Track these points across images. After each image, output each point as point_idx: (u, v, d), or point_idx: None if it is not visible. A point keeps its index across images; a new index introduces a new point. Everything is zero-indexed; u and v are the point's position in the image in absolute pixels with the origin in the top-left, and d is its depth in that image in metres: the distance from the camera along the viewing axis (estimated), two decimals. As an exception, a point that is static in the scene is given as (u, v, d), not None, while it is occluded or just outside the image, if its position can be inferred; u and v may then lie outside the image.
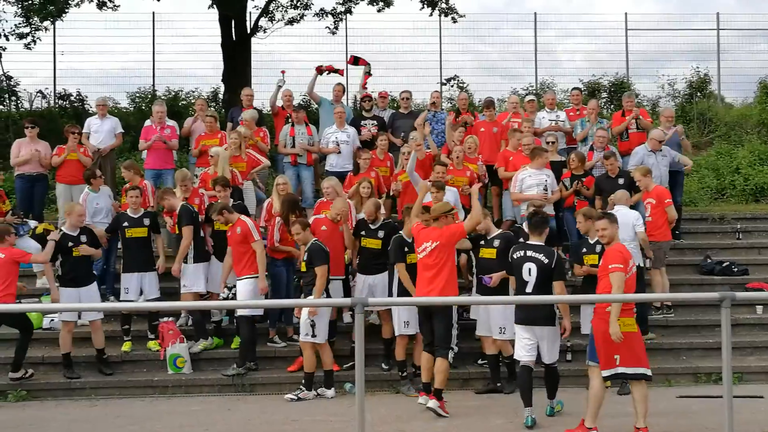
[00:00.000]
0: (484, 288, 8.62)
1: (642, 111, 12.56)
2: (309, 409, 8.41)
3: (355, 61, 13.46)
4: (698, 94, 19.32)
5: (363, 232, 9.42)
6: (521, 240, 8.50)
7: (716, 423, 6.78)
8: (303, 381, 8.80)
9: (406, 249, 8.79)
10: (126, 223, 9.73)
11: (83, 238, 9.33)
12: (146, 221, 9.79)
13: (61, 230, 9.39)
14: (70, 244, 9.22)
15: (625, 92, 13.19)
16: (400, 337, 8.90)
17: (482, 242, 8.83)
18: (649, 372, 7.12)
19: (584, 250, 8.78)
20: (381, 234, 9.33)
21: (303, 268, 8.82)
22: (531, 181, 10.33)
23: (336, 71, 13.16)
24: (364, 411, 5.43)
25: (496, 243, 8.69)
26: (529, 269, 7.64)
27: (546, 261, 7.66)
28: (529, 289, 7.65)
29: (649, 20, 20.99)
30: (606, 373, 7.06)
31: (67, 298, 9.18)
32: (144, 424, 7.97)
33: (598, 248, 8.45)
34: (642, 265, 9.49)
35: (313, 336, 8.62)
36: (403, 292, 8.57)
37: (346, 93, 14.48)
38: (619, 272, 6.99)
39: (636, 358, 7.04)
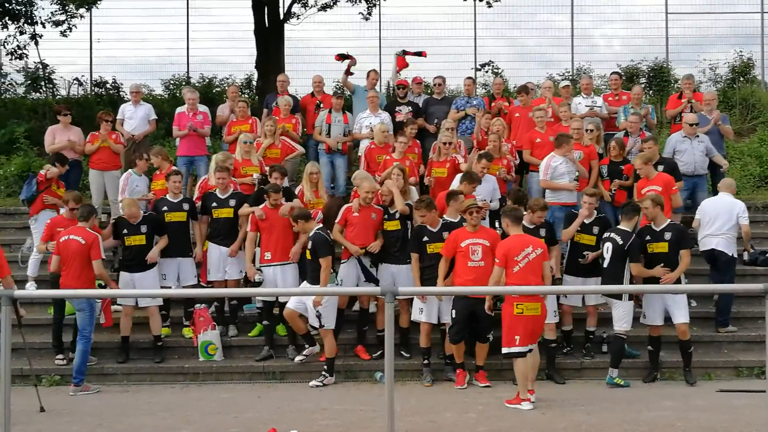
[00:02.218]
0: None
1: (698, 95, 12.20)
2: (339, 397, 8.36)
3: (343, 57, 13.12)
4: (741, 79, 18.78)
5: (385, 216, 9.37)
6: None
7: (759, 418, 6.60)
8: (325, 367, 8.82)
9: (425, 239, 8.73)
10: (165, 208, 9.69)
11: (143, 228, 9.36)
12: (185, 206, 9.75)
13: (117, 218, 9.59)
14: (125, 231, 9.32)
15: (685, 74, 12.78)
16: (426, 325, 8.81)
17: None
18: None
19: (648, 237, 8.68)
20: (397, 215, 9.28)
21: (308, 256, 8.77)
22: (563, 169, 10.13)
23: (348, 57, 12.98)
24: (393, 400, 5.39)
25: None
26: (607, 247, 8.61)
27: (620, 243, 8.51)
28: (605, 264, 8.66)
29: (690, 3, 20.33)
30: (505, 350, 7.84)
31: (122, 284, 9.23)
32: (175, 410, 7.97)
33: (667, 236, 8.53)
34: (735, 255, 9.64)
35: (321, 326, 8.67)
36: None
37: (379, 80, 14.34)
38: (496, 266, 7.85)
39: (531, 338, 7.83)
